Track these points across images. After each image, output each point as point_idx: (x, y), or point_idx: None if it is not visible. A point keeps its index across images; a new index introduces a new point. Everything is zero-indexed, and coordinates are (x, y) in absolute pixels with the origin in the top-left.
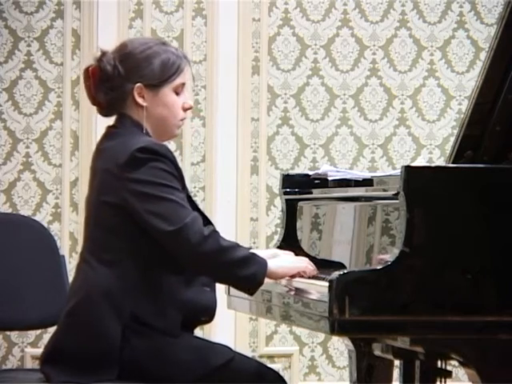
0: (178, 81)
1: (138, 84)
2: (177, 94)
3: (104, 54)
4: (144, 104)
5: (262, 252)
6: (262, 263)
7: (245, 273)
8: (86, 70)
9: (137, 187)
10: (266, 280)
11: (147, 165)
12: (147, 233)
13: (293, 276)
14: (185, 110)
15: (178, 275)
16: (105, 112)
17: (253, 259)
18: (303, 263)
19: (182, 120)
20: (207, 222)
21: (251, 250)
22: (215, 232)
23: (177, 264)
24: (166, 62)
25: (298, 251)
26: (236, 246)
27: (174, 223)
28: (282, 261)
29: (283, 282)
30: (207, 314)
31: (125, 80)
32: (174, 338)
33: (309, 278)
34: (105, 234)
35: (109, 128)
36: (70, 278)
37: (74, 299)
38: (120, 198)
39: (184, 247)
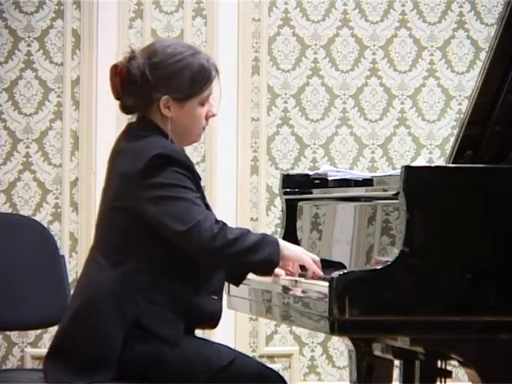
0: (205, 93)
1: (165, 96)
2: (202, 105)
3: (134, 57)
4: (169, 115)
5: None
6: (274, 243)
7: (258, 257)
8: (115, 67)
9: (152, 193)
10: (266, 279)
11: (162, 171)
12: (159, 239)
13: (301, 268)
14: (207, 118)
15: (187, 283)
16: (127, 111)
17: (263, 242)
18: (312, 256)
19: (203, 128)
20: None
21: None
22: (224, 227)
23: (186, 272)
24: (195, 75)
25: None
26: (245, 233)
27: (186, 222)
28: (294, 246)
29: (285, 282)
30: (211, 322)
31: (152, 89)
32: (176, 347)
33: (312, 278)
34: (117, 237)
35: (130, 126)
36: (70, 278)
37: (80, 299)
38: (136, 205)
39: (196, 246)
